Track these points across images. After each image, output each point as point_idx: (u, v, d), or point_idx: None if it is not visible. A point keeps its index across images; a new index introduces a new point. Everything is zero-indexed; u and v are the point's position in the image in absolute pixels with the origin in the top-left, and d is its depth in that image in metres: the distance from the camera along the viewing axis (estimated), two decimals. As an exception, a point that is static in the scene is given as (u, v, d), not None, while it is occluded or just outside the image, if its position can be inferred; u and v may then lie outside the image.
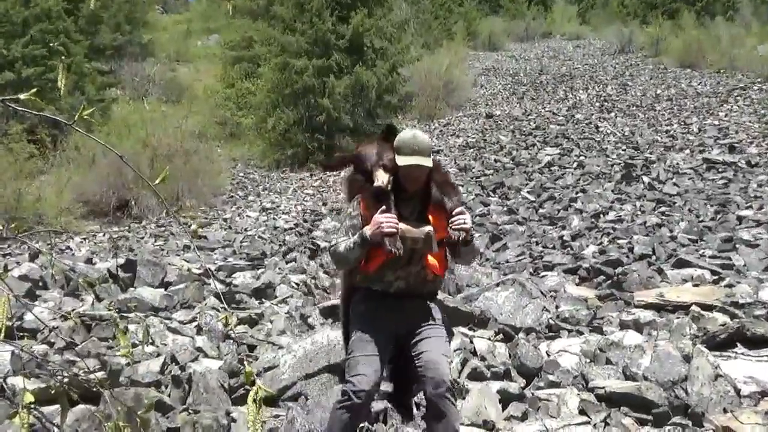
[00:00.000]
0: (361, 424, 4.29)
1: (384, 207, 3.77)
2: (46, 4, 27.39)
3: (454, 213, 3.79)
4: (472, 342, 6.63)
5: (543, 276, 10.31)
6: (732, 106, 25.33)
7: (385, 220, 3.73)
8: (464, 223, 3.75)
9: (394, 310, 4.01)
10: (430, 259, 3.94)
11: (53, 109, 22.47)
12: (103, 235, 17.87)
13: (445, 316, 4.30)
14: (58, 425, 2.98)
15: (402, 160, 3.84)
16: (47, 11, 27.33)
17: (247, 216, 18.98)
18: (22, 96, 2.04)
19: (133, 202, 19.59)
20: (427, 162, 3.86)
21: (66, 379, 3.95)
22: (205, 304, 8.83)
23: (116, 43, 33.62)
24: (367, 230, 3.74)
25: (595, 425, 4.88)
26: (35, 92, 2.24)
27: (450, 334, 4.47)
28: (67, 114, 21.09)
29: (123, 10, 35.48)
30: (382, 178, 3.85)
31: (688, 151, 19.56)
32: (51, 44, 26.62)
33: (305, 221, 17.38)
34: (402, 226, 3.75)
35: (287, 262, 12.70)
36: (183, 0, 63.72)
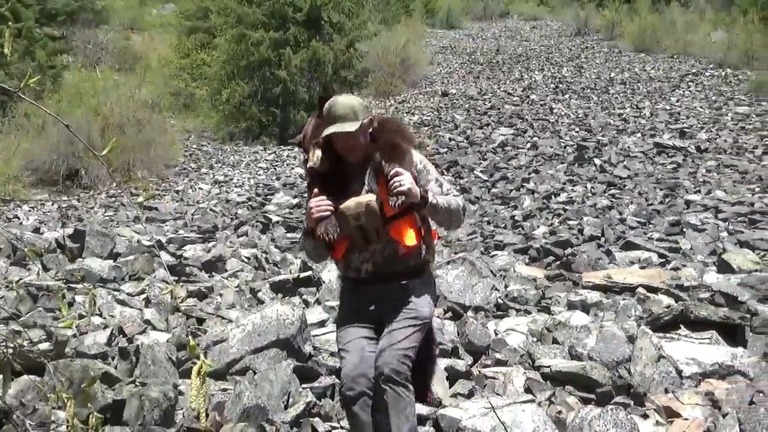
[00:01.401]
0: None
1: (315, 189, 3.59)
2: (-4, -35, 26.83)
3: (389, 177, 3.38)
4: (421, 319, 6.67)
5: (493, 255, 10.39)
6: (684, 92, 25.62)
7: (314, 204, 3.54)
8: (400, 185, 3.29)
9: (370, 298, 3.75)
10: (404, 231, 3.53)
11: (2, 74, 22.04)
12: (52, 204, 17.61)
13: (431, 291, 3.91)
14: (1, 396, 2.94)
15: (325, 131, 3.54)
16: (-5, -26, 26.76)
17: (199, 188, 18.84)
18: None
19: (83, 172, 19.29)
20: (350, 127, 3.45)
21: (10, 350, 3.90)
22: (155, 277, 8.78)
23: (69, 9, 32.98)
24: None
25: (539, 403, 4.93)
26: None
27: (435, 303, 3.96)
28: (16, 80, 20.75)
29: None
30: (314, 156, 3.65)
31: (639, 135, 19.75)
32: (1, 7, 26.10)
33: (258, 195, 17.28)
34: (345, 203, 3.49)
35: (239, 236, 12.63)
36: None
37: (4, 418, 4.29)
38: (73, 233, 10.32)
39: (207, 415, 4.81)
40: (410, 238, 3.51)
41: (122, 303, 7.57)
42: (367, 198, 3.46)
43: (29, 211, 16.62)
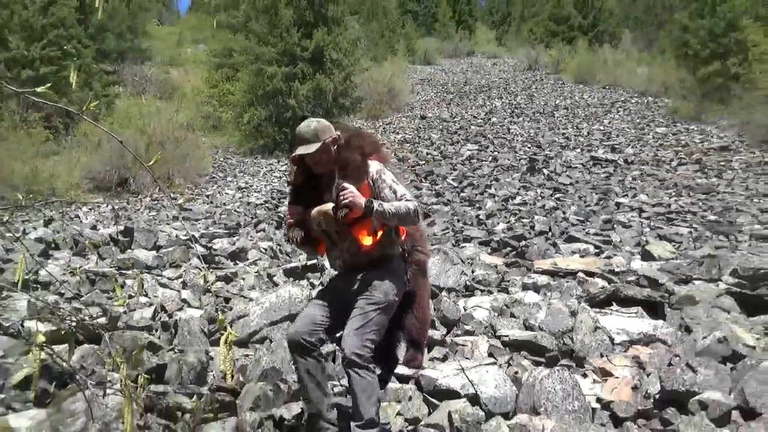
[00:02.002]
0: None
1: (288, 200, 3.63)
2: (61, 13, 26.67)
3: (337, 192, 3.34)
4: (405, 298, 6.68)
5: (462, 247, 10.41)
6: (614, 115, 25.75)
7: (286, 214, 3.67)
8: (344, 199, 3.28)
9: (343, 286, 3.66)
10: (362, 233, 3.45)
11: (66, 101, 21.94)
12: (106, 206, 17.55)
13: (394, 277, 3.61)
14: (66, 361, 2.93)
15: (294, 152, 3.56)
16: (62, 20, 26.61)
17: (225, 193, 18.81)
18: (38, 89, 1.98)
19: (131, 180, 19.29)
20: (309, 149, 3.46)
21: (73, 324, 3.88)
22: (190, 264, 8.76)
23: (120, 48, 32.90)
24: None
25: (500, 365, 4.95)
26: (50, 87, 2.19)
27: (400, 285, 3.61)
28: (77, 106, 20.65)
29: (126, 21, 34.71)
30: (290, 172, 3.70)
31: (579, 150, 19.85)
32: (64, 47, 25.99)
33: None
34: (312, 212, 3.48)
35: (257, 231, 12.63)
36: (176, 14, 62.55)
37: (69, 378, 4.26)
38: (123, 230, 10.30)
39: (233, 376, 4.80)
40: (366, 239, 3.44)
41: (164, 285, 7.56)
42: (326, 207, 3.41)
43: (88, 211, 16.55)
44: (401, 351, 4.13)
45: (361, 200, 3.31)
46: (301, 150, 3.49)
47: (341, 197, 3.29)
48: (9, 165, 17.21)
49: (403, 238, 3.68)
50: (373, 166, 3.57)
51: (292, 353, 3.59)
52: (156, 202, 18.03)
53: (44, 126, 21.80)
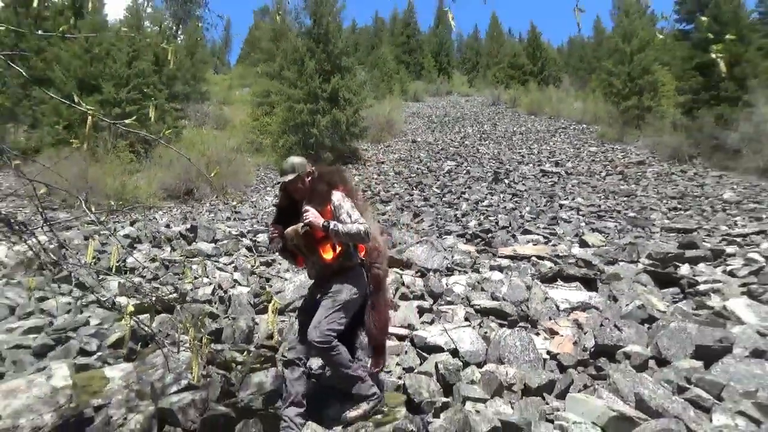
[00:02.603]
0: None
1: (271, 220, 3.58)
2: (141, 65, 26.70)
3: (302, 213, 3.35)
4: (401, 277, 6.67)
5: (444, 238, 10.40)
6: (557, 138, 25.69)
7: (270, 229, 3.62)
8: (306, 218, 3.30)
9: (315, 292, 3.59)
10: (324, 249, 3.42)
11: (145, 131, 21.99)
12: (176, 210, 17.54)
13: (353, 282, 3.50)
14: (148, 326, 2.92)
15: (277, 180, 3.60)
16: (142, 70, 26.63)
17: (265, 199, 18.77)
18: (126, 120, 1.99)
19: (195, 190, 19.26)
20: (287, 178, 3.45)
21: (153, 298, 3.88)
22: (240, 253, 8.76)
23: (186, 91, 32.88)
24: None
25: (473, 327, 4.95)
26: (133, 120, 2.20)
27: (357, 288, 3.50)
28: (155, 135, 20.77)
29: (190, 71, 34.72)
30: (277, 196, 3.67)
31: (531, 164, 19.81)
32: (144, 91, 26.02)
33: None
34: (287, 230, 3.44)
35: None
36: (227, 65, 62.54)
37: (150, 339, 4.26)
38: (189, 227, 10.29)
39: (272, 336, 4.81)
40: (327, 254, 3.41)
41: (220, 269, 7.56)
42: (298, 227, 3.36)
43: (163, 214, 16.53)
44: (365, 355, 3.99)
45: (320, 220, 3.30)
46: (282, 178, 3.49)
47: (304, 217, 3.32)
48: (104, 180, 17.26)
49: (362, 254, 3.61)
50: (336, 195, 3.48)
51: (284, 368, 3.57)
52: (213, 206, 18.01)
53: (129, 151, 21.82)
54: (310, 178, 3.53)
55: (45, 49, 26.10)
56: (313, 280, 3.72)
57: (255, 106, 31.36)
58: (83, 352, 4.66)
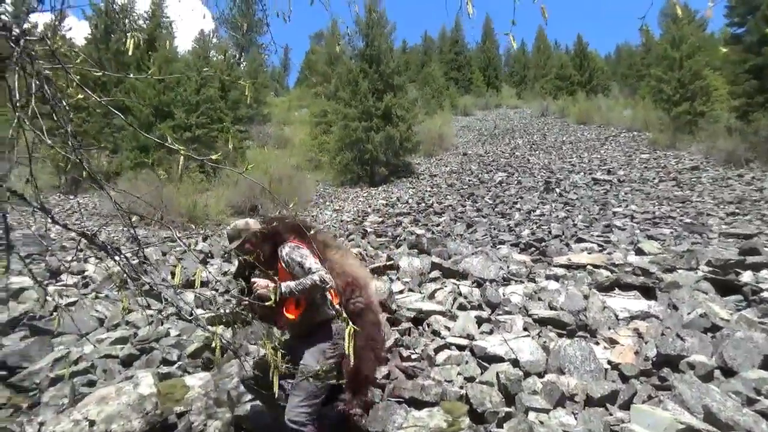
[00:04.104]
0: None
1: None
2: (208, 92, 27.70)
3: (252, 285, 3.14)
4: (458, 288, 6.60)
5: (498, 248, 10.24)
6: (608, 146, 24.98)
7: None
8: (257, 291, 3.06)
9: (292, 350, 3.16)
10: (287, 308, 3.14)
11: (214, 153, 22.77)
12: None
13: (324, 342, 3.18)
14: (223, 337, 2.96)
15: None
16: (210, 97, 27.63)
17: (325, 213, 19.06)
18: (213, 157, 2.06)
19: (260, 206, 19.74)
20: (233, 244, 3.31)
21: (227, 311, 3.98)
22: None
23: (248, 114, 33.83)
24: None
25: (532, 337, 4.84)
26: (201, 143, 2.27)
27: (328, 348, 3.18)
28: (221, 157, 21.49)
29: (252, 95, 35.77)
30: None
31: (582, 173, 19.31)
32: (212, 116, 26.96)
33: (358, 216, 17.40)
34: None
35: (349, 240, 12.70)
36: (286, 88, 64.07)
37: (226, 350, 4.36)
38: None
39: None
40: (291, 314, 3.13)
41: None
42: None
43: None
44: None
45: (270, 287, 3.02)
46: (229, 246, 3.35)
47: (254, 289, 3.11)
48: (177, 200, 17.93)
49: (334, 299, 3.21)
50: (285, 249, 3.20)
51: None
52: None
53: (200, 172, 22.62)
54: (255, 239, 3.31)
55: (123, 80, 27.44)
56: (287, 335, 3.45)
57: (313, 125, 31.96)
58: (165, 362, 4.83)
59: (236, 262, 3.35)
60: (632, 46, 52.95)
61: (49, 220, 1.87)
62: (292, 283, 3.05)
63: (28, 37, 1.43)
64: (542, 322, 5.32)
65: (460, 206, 16.44)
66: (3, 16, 1.49)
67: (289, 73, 73.91)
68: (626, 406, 3.64)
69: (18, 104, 1.45)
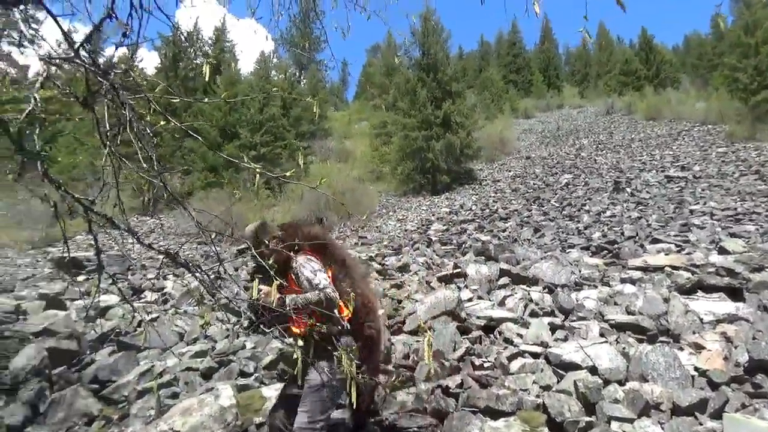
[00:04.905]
0: None
1: None
2: (271, 111, 28.57)
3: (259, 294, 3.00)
4: (529, 294, 6.46)
5: (568, 252, 9.94)
6: (681, 142, 23.81)
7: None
8: (264, 301, 2.95)
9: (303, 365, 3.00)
10: (295, 322, 3.05)
11: (278, 170, 23.47)
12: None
13: (329, 358, 2.98)
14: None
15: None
16: (272, 115, 28.49)
17: (389, 223, 19.14)
18: (287, 173, 2.12)
19: (324, 219, 20.09)
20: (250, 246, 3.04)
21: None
22: (371, 277, 8.91)
23: (310, 130, 34.60)
24: None
25: (610, 343, 4.67)
26: (266, 160, 2.34)
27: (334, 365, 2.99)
28: (283, 171, 22.15)
29: (319, 110, 36.49)
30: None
31: (654, 171, 18.47)
32: (275, 134, 27.75)
33: (422, 225, 17.36)
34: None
35: (414, 250, 12.66)
36: (345, 102, 65.10)
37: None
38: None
39: (409, 356, 4.81)
40: (297, 328, 3.02)
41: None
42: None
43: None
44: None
45: (274, 298, 2.87)
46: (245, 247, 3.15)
47: (260, 301, 2.97)
48: (245, 215, 18.52)
49: (346, 315, 3.07)
50: (298, 260, 3.10)
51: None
52: (341, 233, 18.66)
53: (266, 188, 23.30)
54: (270, 244, 3.18)
55: (191, 105, 28.76)
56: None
57: (373, 137, 32.29)
58: (243, 374, 4.98)
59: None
60: (702, 35, 50.46)
61: (135, 241, 1.97)
62: (299, 297, 2.97)
63: (114, 71, 1.54)
64: (620, 327, 5.12)
65: (525, 210, 16.10)
66: (91, 54, 1.60)
67: (347, 87, 75.10)
68: (717, 415, 3.43)
69: (108, 134, 1.56)
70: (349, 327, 3.08)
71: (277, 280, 2.60)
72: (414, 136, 24.74)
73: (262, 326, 3.11)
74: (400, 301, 7.01)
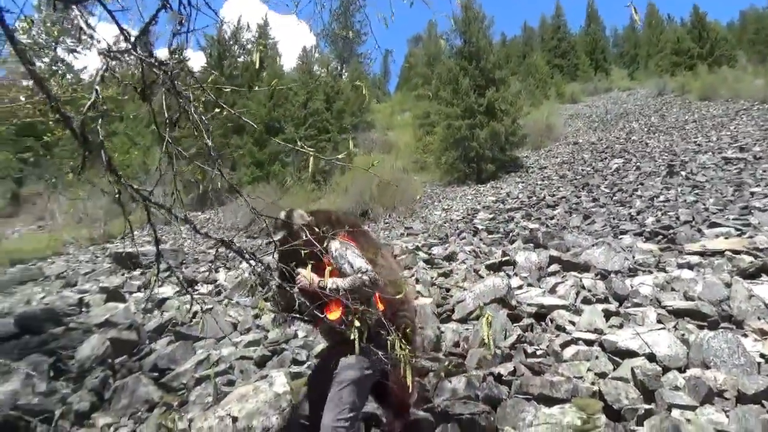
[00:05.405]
0: None
1: None
2: (314, 105, 28.87)
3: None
4: (581, 281, 6.32)
5: (621, 238, 9.66)
6: (738, 122, 22.72)
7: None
8: (299, 282, 2.84)
9: (327, 359, 3.05)
10: (331, 309, 2.85)
11: (323, 163, 23.75)
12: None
13: (363, 353, 2.72)
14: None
15: None
16: (316, 110, 28.78)
17: (434, 213, 19.05)
18: (339, 156, 2.13)
19: (369, 211, 20.17)
20: (278, 235, 2.99)
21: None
22: (418, 266, 8.90)
23: (353, 123, 34.72)
24: None
25: (669, 329, 4.52)
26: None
27: (370, 359, 2.85)
28: (330, 166, 22.47)
29: (356, 104, 36.60)
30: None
31: (710, 153, 17.70)
32: (318, 127, 28.04)
33: (468, 215, 17.20)
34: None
35: (461, 239, 12.58)
36: (388, 94, 65.05)
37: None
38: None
39: (459, 344, 4.78)
40: (333, 314, 2.82)
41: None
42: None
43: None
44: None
45: (315, 282, 2.78)
46: (275, 236, 2.96)
47: (297, 281, 2.86)
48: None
49: (380, 308, 2.90)
50: (333, 245, 2.97)
51: None
52: (387, 224, 18.71)
53: (312, 180, 23.60)
54: (303, 231, 2.95)
55: (236, 102, 29.34)
56: (327, 344, 3.23)
57: (416, 127, 32.14)
58: (295, 362, 5.07)
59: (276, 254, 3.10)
60: (759, 9, 47.93)
61: (192, 230, 2.02)
62: (339, 281, 2.82)
63: (168, 62, 1.58)
64: (678, 313, 4.95)
65: (574, 197, 15.74)
66: (147, 45, 1.65)
67: (389, 78, 74.99)
68: (787, 403, 3.28)
69: (167, 124, 1.60)
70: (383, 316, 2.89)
71: (310, 264, 2.57)
72: (457, 125, 24.48)
73: (293, 313, 3.08)
74: (448, 290, 6.98)
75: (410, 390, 2.89)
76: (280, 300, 3.12)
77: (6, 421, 4.16)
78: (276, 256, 3.08)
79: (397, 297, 2.86)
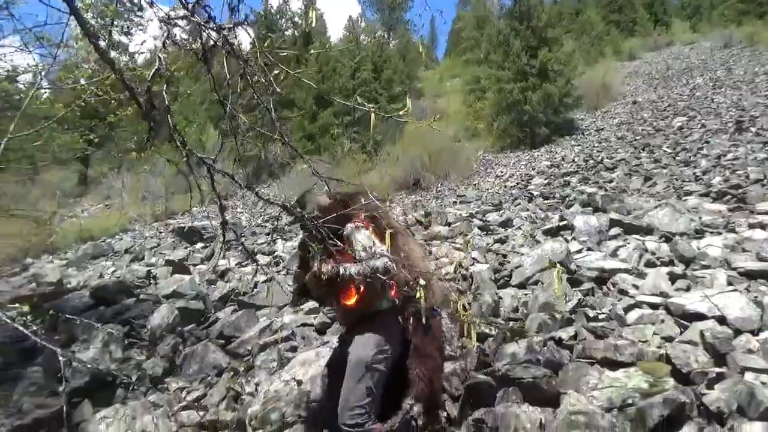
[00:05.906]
0: None
1: None
2: (363, 76, 28.77)
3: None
4: (644, 243, 6.12)
5: (685, 200, 9.24)
6: (816, 72, 21.16)
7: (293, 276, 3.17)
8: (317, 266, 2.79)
9: (344, 338, 3.07)
10: (346, 293, 2.87)
11: (374, 133, 23.78)
12: (407, 199, 18.47)
13: (382, 333, 2.84)
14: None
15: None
16: (364, 80, 28.69)
17: (487, 180, 18.79)
18: (401, 112, 2.11)
19: (421, 180, 20.08)
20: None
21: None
22: (472, 233, 8.84)
23: (402, 92, 34.41)
24: None
25: (740, 292, 4.32)
26: (358, 125, 2.33)
27: (387, 337, 2.85)
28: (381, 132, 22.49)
29: (405, 72, 36.18)
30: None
31: (784, 106, 16.61)
32: (368, 97, 27.95)
33: (522, 180, 16.86)
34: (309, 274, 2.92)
35: (516, 205, 12.35)
36: (436, 60, 63.96)
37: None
38: (424, 213, 10.74)
39: (518, 309, 4.73)
40: (349, 299, 2.83)
41: (457, 249, 7.71)
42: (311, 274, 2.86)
43: (395, 204, 17.54)
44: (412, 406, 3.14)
45: (325, 269, 2.75)
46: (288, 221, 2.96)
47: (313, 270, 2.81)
48: (344, 180, 18.96)
49: (393, 293, 2.86)
50: (347, 230, 2.89)
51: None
52: (440, 193, 18.61)
53: (362, 152, 23.66)
54: (321, 213, 2.90)
55: (285, 77, 29.55)
56: (343, 327, 3.21)
57: (466, 93, 31.52)
58: (354, 328, 5.17)
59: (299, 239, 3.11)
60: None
61: (254, 195, 2.05)
62: (353, 266, 2.76)
63: (228, 26, 1.59)
64: (750, 275, 4.72)
65: (634, 159, 15.13)
66: (205, 8, 1.67)
67: (437, 45, 73.59)
68: None
69: (230, 88, 1.62)
70: (398, 303, 2.91)
71: (333, 246, 2.54)
72: (509, 88, 23.86)
73: (307, 297, 3.11)
74: (505, 255, 6.90)
75: (436, 386, 3.00)
76: (295, 283, 3.12)
77: (94, 377, 4.45)
78: (300, 241, 3.08)
79: (415, 281, 2.72)
